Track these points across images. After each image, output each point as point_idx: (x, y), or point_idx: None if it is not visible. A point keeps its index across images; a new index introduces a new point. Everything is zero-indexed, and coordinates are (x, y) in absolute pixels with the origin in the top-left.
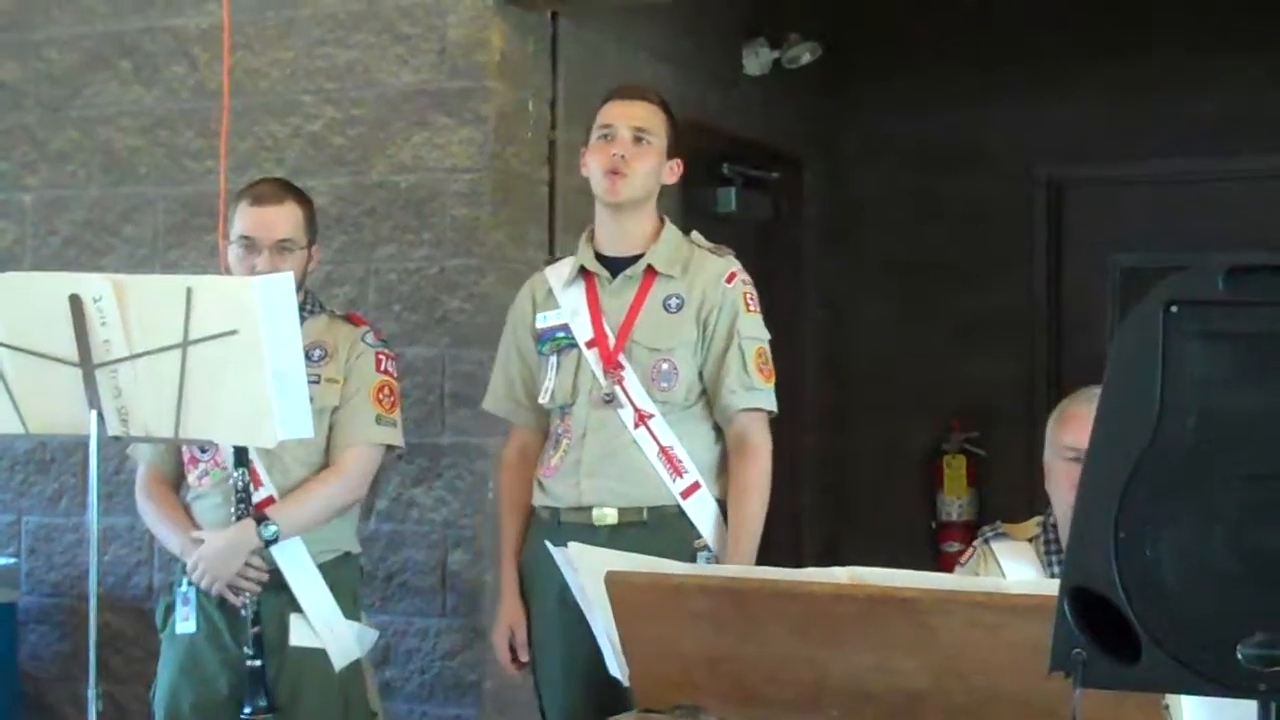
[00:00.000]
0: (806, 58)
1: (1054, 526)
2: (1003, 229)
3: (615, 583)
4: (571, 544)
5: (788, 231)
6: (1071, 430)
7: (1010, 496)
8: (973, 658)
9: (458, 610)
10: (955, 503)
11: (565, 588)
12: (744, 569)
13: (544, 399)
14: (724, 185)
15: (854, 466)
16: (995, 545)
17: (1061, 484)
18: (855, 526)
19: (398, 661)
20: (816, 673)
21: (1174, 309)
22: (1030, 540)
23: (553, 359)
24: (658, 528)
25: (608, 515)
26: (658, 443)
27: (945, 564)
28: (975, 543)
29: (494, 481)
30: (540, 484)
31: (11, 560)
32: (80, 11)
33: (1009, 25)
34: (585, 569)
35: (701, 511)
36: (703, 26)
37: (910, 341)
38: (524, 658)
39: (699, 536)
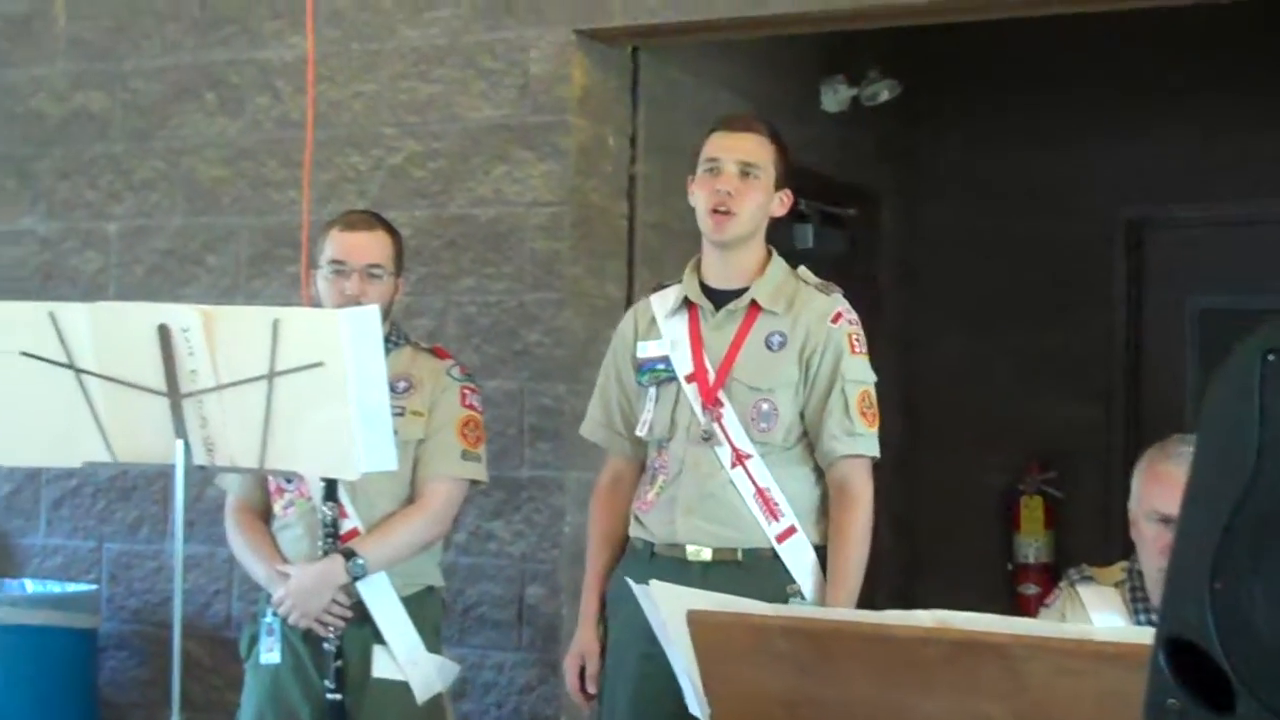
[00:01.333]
0: (885, 95)
1: (1140, 574)
2: (1081, 269)
3: (697, 621)
4: (653, 581)
5: (863, 268)
6: (1159, 493)
7: (1087, 538)
8: (1060, 705)
9: (534, 644)
10: (1032, 545)
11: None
12: (826, 610)
13: (642, 431)
14: (800, 221)
15: (929, 507)
16: (1081, 589)
17: (1149, 545)
18: (930, 567)
19: (474, 695)
20: (899, 718)
21: (1271, 357)
22: (1116, 585)
23: (652, 390)
24: (752, 569)
25: (702, 553)
26: (755, 484)
27: (1022, 606)
28: (1061, 584)
29: (589, 508)
30: (636, 517)
31: (92, 587)
32: (167, 43)
33: (1089, 65)
34: (666, 606)
35: (797, 556)
36: (782, 63)
37: (986, 381)
38: (592, 689)
39: (792, 581)
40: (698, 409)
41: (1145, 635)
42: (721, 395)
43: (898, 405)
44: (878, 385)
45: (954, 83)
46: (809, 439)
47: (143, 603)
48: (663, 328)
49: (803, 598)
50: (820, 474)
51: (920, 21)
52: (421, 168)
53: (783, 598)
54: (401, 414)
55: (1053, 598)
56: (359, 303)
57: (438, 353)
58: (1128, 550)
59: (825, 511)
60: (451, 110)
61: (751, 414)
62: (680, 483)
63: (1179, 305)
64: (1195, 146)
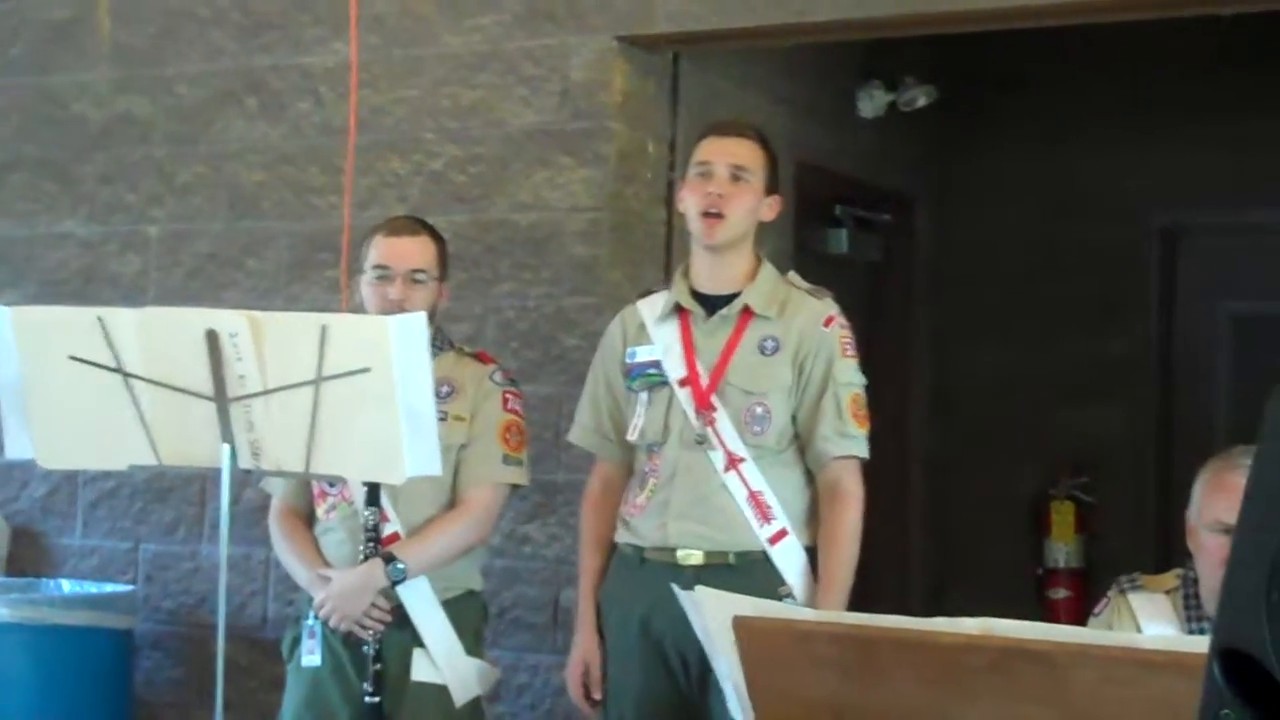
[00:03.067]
0: (922, 101)
1: (1194, 581)
2: (1115, 275)
3: (743, 627)
4: (699, 588)
5: (898, 274)
6: (1222, 503)
7: (1118, 544)
8: (1106, 713)
9: (569, 647)
10: (1062, 550)
11: (645, 623)
12: (873, 617)
13: (633, 436)
14: (835, 226)
15: (961, 511)
16: (1132, 597)
17: (1210, 555)
18: (961, 571)
19: (509, 697)
20: None
21: None
22: (1168, 593)
23: (643, 395)
24: (744, 572)
25: (692, 556)
26: (748, 487)
27: (1051, 610)
28: (1110, 593)
29: (581, 514)
30: (625, 521)
31: (129, 587)
32: (210, 49)
33: (1124, 72)
34: (711, 613)
35: (788, 559)
36: (819, 69)
37: (1019, 386)
38: (597, 694)
39: (784, 583)
40: (691, 413)
41: (1193, 644)
42: (715, 399)
43: (931, 410)
44: (893, 385)
45: (990, 89)
46: (799, 442)
47: (178, 603)
48: (653, 333)
49: (794, 599)
50: (810, 477)
51: (958, 29)
52: (462, 173)
53: (774, 600)
54: (444, 419)
55: (1101, 607)
56: (403, 308)
57: (481, 357)
58: (1158, 556)
59: (815, 514)
60: (493, 116)
61: (745, 418)
62: (673, 486)
63: (1212, 311)
64: (1229, 153)
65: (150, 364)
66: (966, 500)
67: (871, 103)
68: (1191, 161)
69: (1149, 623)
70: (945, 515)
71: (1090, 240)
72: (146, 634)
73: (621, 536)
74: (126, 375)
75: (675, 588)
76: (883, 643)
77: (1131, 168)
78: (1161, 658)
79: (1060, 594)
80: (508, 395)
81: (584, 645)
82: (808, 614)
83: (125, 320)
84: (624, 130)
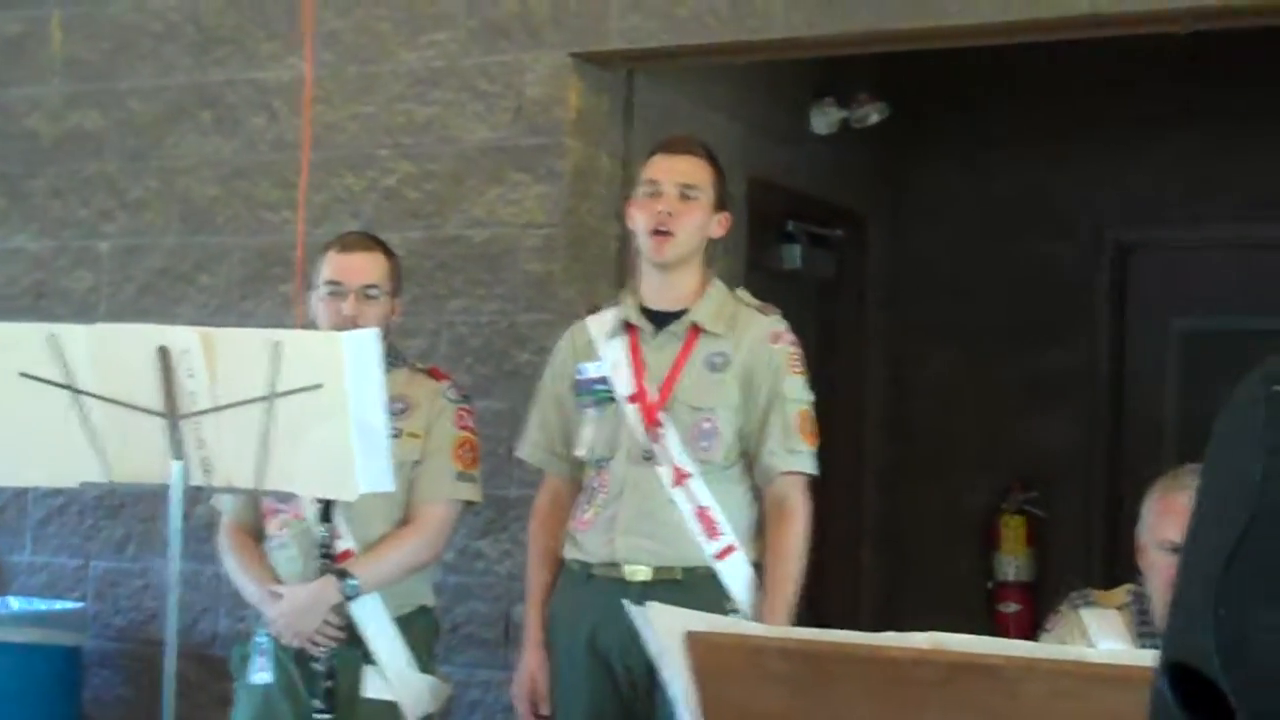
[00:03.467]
0: (874, 117)
1: (1145, 598)
2: (1066, 291)
3: (695, 642)
4: (650, 603)
5: (851, 289)
6: (1171, 523)
7: (1068, 558)
8: None
9: None
10: (1013, 563)
11: (592, 639)
12: (824, 631)
13: (581, 452)
14: (789, 242)
15: (912, 525)
16: (1084, 613)
17: (1161, 574)
18: (913, 585)
19: (460, 713)
20: None
21: (1277, 388)
22: (1119, 609)
23: (591, 411)
24: (690, 588)
25: (639, 572)
26: (695, 503)
27: (1001, 624)
28: (1062, 608)
29: (529, 529)
30: (573, 537)
31: (79, 604)
32: (163, 63)
33: (1075, 90)
34: (663, 628)
35: (735, 574)
36: (773, 86)
37: (971, 401)
38: (544, 710)
39: (730, 599)
40: (639, 429)
41: (1141, 658)
42: (663, 415)
43: (883, 424)
44: (846, 401)
45: (942, 106)
46: (747, 459)
47: (128, 620)
48: (601, 349)
49: (741, 615)
50: (756, 493)
51: (910, 48)
52: (416, 189)
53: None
54: (397, 435)
55: (1053, 623)
56: (355, 324)
57: (434, 374)
58: (1107, 569)
59: (762, 529)
60: (447, 132)
61: (693, 434)
62: (621, 502)
63: (1162, 327)
64: (1180, 170)
65: (101, 381)
66: (918, 514)
67: (824, 119)
68: (1142, 177)
69: (1101, 639)
70: (897, 529)
71: (1041, 255)
72: (96, 651)
73: (569, 552)
74: (77, 392)
75: (626, 604)
76: (834, 657)
77: (1083, 183)
78: (1110, 671)
79: (1011, 607)
80: (461, 412)
81: (531, 661)
82: (759, 629)
83: (76, 337)
84: (578, 146)
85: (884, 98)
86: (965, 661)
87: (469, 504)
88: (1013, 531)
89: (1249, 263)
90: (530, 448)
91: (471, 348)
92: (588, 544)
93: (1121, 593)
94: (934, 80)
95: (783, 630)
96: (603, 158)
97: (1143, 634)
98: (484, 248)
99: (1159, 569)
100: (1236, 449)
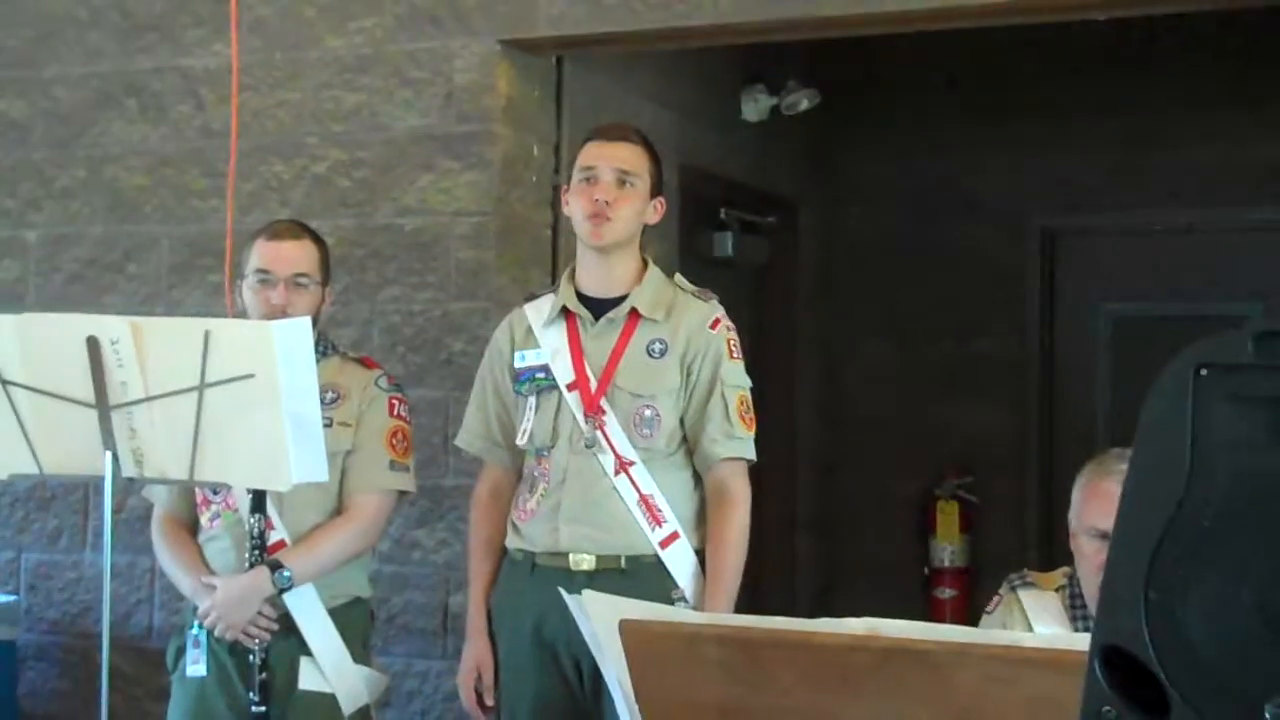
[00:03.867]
0: (805, 104)
1: (1079, 581)
2: (996, 277)
3: (630, 630)
4: (586, 591)
5: (783, 276)
6: (1097, 510)
7: (1002, 543)
8: (989, 711)
9: (458, 652)
10: (947, 549)
11: (537, 629)
12: (759, 619)
13: (521, 440)
14: (721, 230)
15: (847, 512)
16: (1023, 594)
17: (1089, 560)
18: (848, 572)
19: (399, 703)
20: None
21: (1203, 372)
22: (1057, 590)
23: (531, 399)
24: (635, 576)
25: (584, 561)
26: (638, 491)
27: (937, 609)
28: (1001, 591)
29: (470, 519)
30: (515, 526)
31: (11, 597)
32: (88, 51)
33: (1005, 75)
34: (599, 616)
35: (680, 561)
36: (703, 73)
37: (903, 388)
38: (489, 700)
39: (676, 586)
40: (580, 417)
41: (1074, 642)
42: (604, 403)
43: (817, 412)
44: (779, 388)
45: (872, 92)
46: (688, 445)
47: (62, 613)
48: (540, 337)
49: (686, 602)
50: (699, 479)
51: (838, 34)
52: (346, 177)
53: (668, 603)
54: (329, 425)
55: (993, 605)
56: (285, 313)
57: (365, 363)
58: (1042, 554)
59: (704, 516)
60: (376, 119)
61: (634, 420)
62: (564, 490)
63: (1092, 313)
64: (1108, 157)
65: (30, 371)
66: (852, 501)
67: (755, 106)
68: (1071, 163)
69: (1039, 621)
70: (831, 516)
71: (972, 242)
72: (30, 644)
73: (512, 542)
74: (6, 383)
75: (563, 592)
76: (768, 644)
77: (1012, 170)
78: (1043, 656)
79: (946, 593)
80: (394, 401)
81: (476, 651)
82: (694, 616)
83: (4, 327)
84: (509, 134)
85: (814, 84)
86: (899, 647)
87: (403, 494)
88: (947, 517)
89: (1176, 248)
90: (469, 436)
91: (404, 336)
92: (531, 534)
93: (1059, 575)
94: (864, 67)
95: (717, 617)
96: (533, 145)
97: (1076, 616)
98: (415, 236)
99: (1087, 555)
100: (1165, 433)
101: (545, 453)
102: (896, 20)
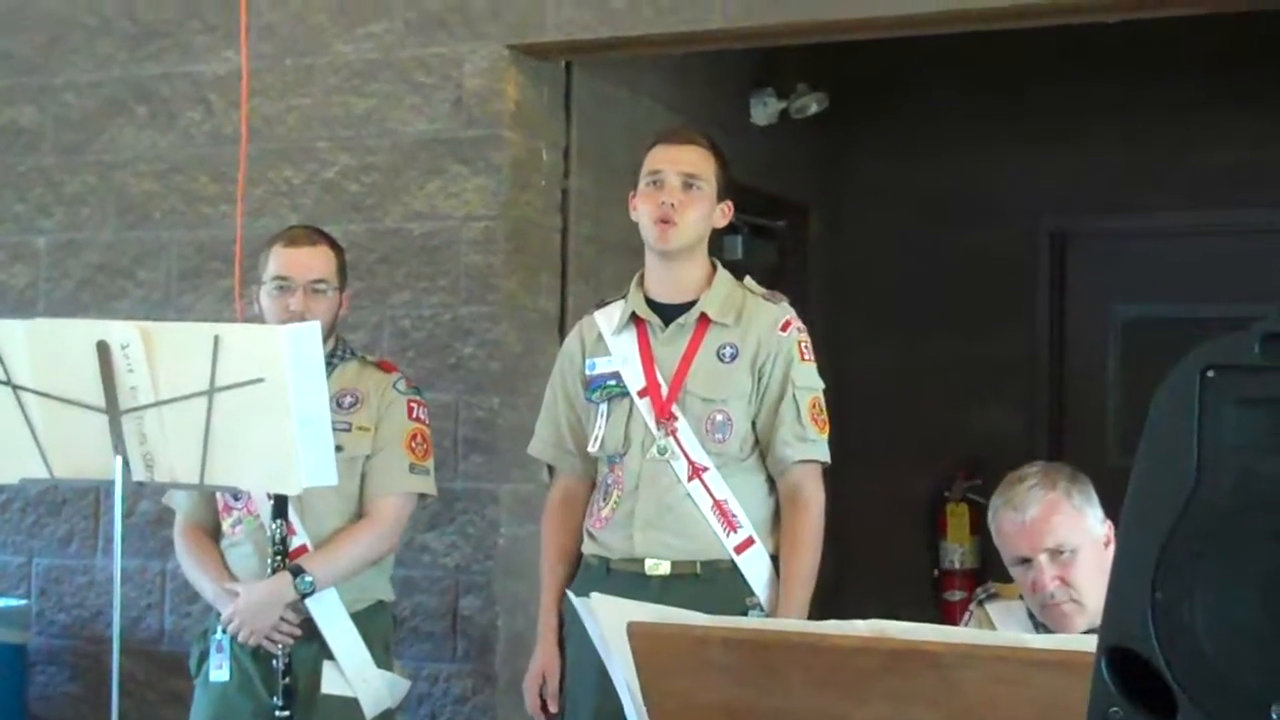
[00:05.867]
0: (814, 108)
1: None
2: (1006, 279)
3: (637, 634)
4: (594, 594)
5: (792, 280)
6: (1003, 541)
7: None
8: (996, 713)
9: (469, 656)
10: (958, 551)
11: None
12: (764, 620)
13: (594, 448)
14: (730, 233)
15: (857, 515)
16: (990, 607)
17: (1022, 584)
18: (857, 574)
19: (409, 707)
20: None
21: (1210, 374)
22: (1020, 598)
23: (602, 407)
24: (710, 582)
25: (660, 566)
26: (712, 496)
27: (947, 611)
28: (971, 606)
29: (542, 527)
30: (590, 534)
31: (22, 602)
32: (98, 57)
33: (1015, 77)
34: (607, 619)
35: (755, 567)
36: (712, 77)
37: (914, 390)
38: (553, 708)
39: (751, 593)
40: (652, 424)
41: (1081, 643)
42: (675, 409)
43: (827, 414)
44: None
45: (881, 96)
46: (761, 449)
47: (73, 618)
48: (610, 344)
49: (761, 609)
50: (773, 484)
51: (847, 38)
52: (356, 182)
53: (741, 609)
54: (348, 429)
55: (965, 619)
56: (304, 319)
57: (383, 366)
58: None
59: (779, 521)
60: (385, 125)
61: (706, 426)
62: (638, 497)
63: (1102, 315)
64: (1117, 159)
65: (41, 376)
66: (863, 504)
67: (764, 110)
68: (1080, 166)
69: (1006, 630)
70: (842, 518)
71: (982, 244)
72: (41, 649)
73: (588, 548)
74: (16, 388)
75: (570, 594)
76: (775, 646)
77: (1022, 172)
78: (1050, 657)
79: (956, 595)
80: (412, 404)
81: (543, 657)
82: (701, 619)
83: (14, 332)
84: (518, 138)
85: (823, 88)
86: (906, 649)
87: (423, 497)
88: (957, 520)
89: (1187, 250)
90: (541, 445)
91: (414, 341)
92: (607, 540)
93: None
94: (872, 70)
95: (724, 620)
96: (542, 149)
97: (1036, 625)
98: (425, 240)
99: (1020, 581)
100: (1171, 435)
101: (618, 460)
102: (905, 24)
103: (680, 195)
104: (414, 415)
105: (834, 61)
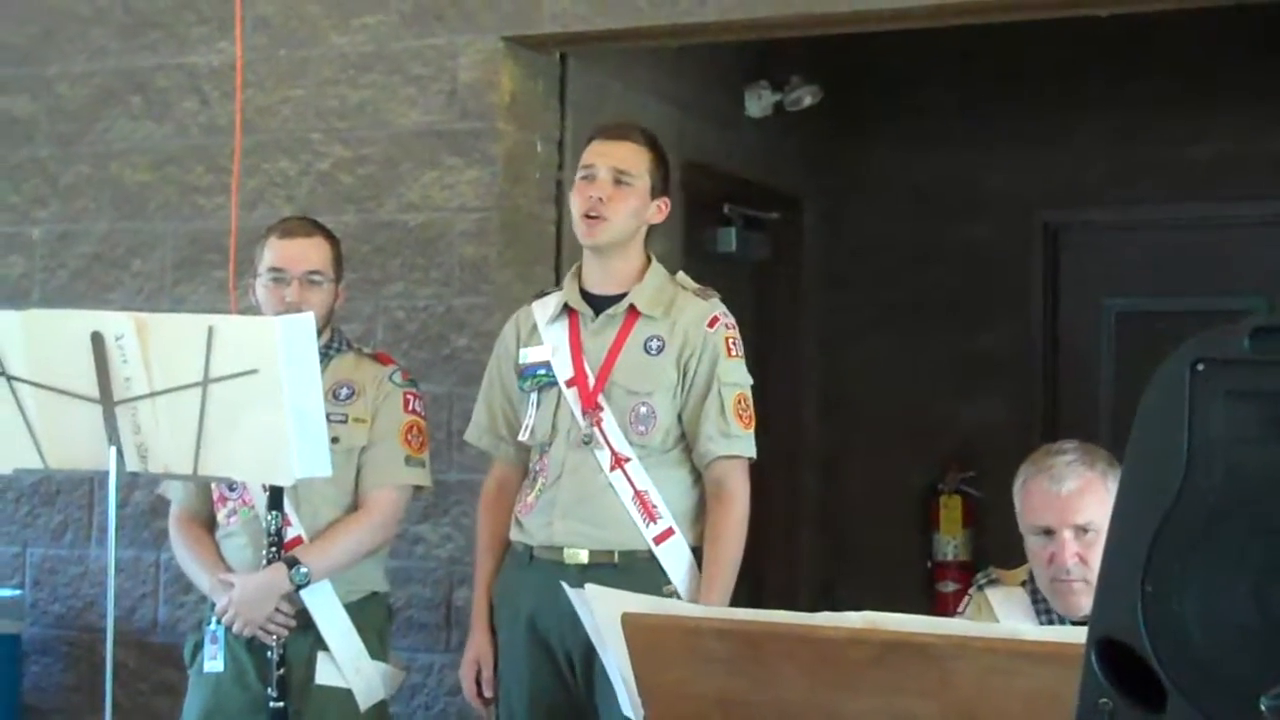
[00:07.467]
0: (808, 100)
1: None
2: (999, 272)
3: (632, 624)
4: (589, 585)
5: (786, 272)
6: (1032, 508)
7: (1005, 536)
8: (988, 704)
9: (462, 646)
10: (951, 542)
11: (533, 621)
12: (759, 612)
13: (524, 436)
14: (724, 225)
15: (850, 506)
16: (989, 593)
17: (1036, 556)
18: (851, 566)
19: (402, 698)
20: (830, 718)
21: (1200, 367)
22: (1022, 585)
23: (533, 396)
24: (628, 571)
25: (579, 555)
26: (633, 487)
27: (940, 603)
28: (970, 591)
29: (477, 513)
30: (517, 520)
31: (16, 592)
32: (93, 48)
33: (1008, 70)
34: (601, 610)
35: (674, 557)
36: (707, 69)
37: (907, 383)
38: (489, 692)
39: (669, 582)
40: (578, 413)
41: (1073, 635)
42: (601, 399)
43: (820, 406)
44: (783, 384)
45: (875, 88)
46: (686, 442)
47: (67, 608)
48: (544, 334)
49: (679, 596)
50: (698, 477)
51: (842, 30)
52: (350, 174)
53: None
54: (344, 421)
55: (963, 605)
56: (300, 310)
57: (380, 358)
58: None
59: (702, 513)
60: (380, 116)
61: (630, 417)
62: (560, 486)
63: (1095, 307)
64: (1111, 151)
65: (35, 367)
66: (856, 495)
67: (759, 102)
68: (1074, 158)
69: (1008, 618)
70: (835, 510)
71: (975, 237)
72: (35, 639)
73: (514, 534)
74: (10, 378)
75: (565, 585)
76: (769, 637)
77: (1015, 164)
78: (1041, 648)
79: (949, 587)
80: (408, 396)
81: (477, 643)
82: (696, 610)
83: (9, 322)
84: (512, 130)
85: (817, 81)
86: (898, 640)
87: (418, 489)
88: (950, 511)
89: (1180, 243)
90: (477, 431)
91: (408, 332)
92: (530, 527)
93: (1022, 571)
94: (867, 63)
95: (719, 611)
96: (536, 141)
97: (1039, 611)
98: (419, 232)
99: (1033, 552)
100: (1162, 426)
101: (545, 448)
102: (900, 17)
103: (610, 190)
104: (410, 408)
105: (828, 54)
